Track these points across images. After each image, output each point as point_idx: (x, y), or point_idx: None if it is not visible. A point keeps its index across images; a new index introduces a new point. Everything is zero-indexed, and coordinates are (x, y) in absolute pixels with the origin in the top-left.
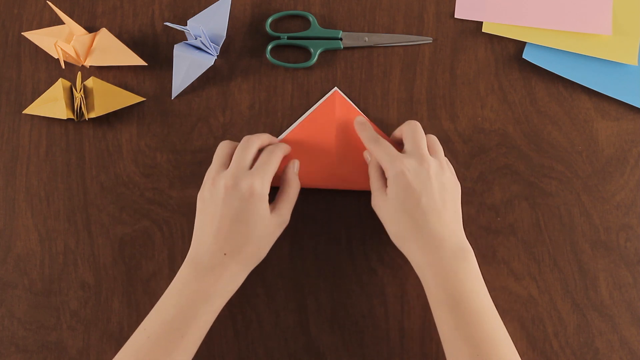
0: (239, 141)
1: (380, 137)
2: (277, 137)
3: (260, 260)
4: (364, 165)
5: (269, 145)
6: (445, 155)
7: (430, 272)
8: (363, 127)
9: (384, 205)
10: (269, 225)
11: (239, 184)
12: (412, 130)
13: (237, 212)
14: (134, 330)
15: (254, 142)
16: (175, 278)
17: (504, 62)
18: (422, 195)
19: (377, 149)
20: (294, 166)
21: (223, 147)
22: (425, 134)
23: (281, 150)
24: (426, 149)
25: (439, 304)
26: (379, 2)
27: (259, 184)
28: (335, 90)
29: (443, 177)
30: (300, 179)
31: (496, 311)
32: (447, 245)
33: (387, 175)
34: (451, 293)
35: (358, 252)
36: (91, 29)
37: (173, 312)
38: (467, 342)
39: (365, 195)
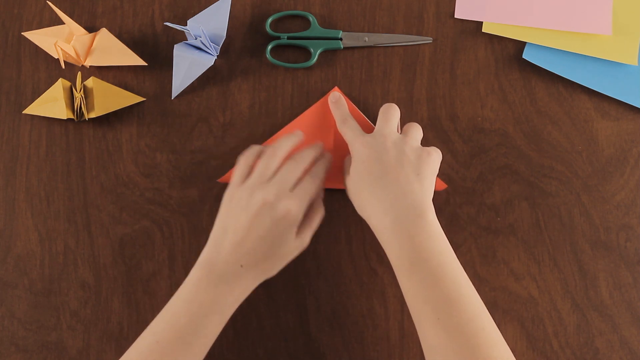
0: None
1: (350, 117)
2: (274, 135)
3: (271, 277)
4: None
5: (314, 161)
6: (445, 156)
7: (386, 234)
8: (337, 105)
9: (348, 183)
10: (291, 247)
11: (277, 203)
12: (382, 112)
13: (267, 229)
14: (134, 330)
15: (306, 160)
16: (187, 280)
17: (504, 62)
18: (376, 161)
19: (343, 128)
20: (322, 194)
21: (270, 158)
22: (424, 132)
23: (324, 176)
24: (392, 127)
25: (398, 268)
26: (379, 2)
27: (296, 209)
28: (335, 88)
29: (404, 146)
30: None
31: (461, 269)
32: (400, 204)
33: (351, 152)
34: (407, 254)
35: (358, 252)
36: (91, 29)
37: (184, 320)
38: (427, 304)
39: None
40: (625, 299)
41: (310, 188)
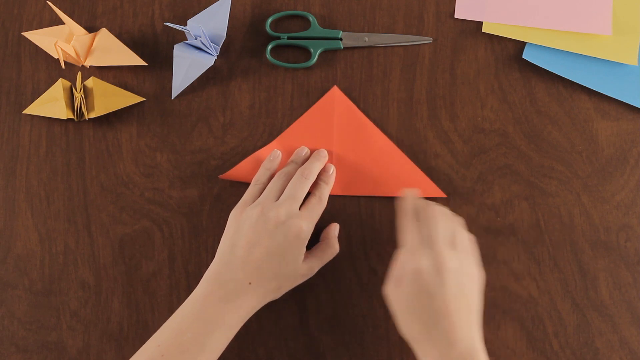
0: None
1: (414, 215)
2: (278, 137)
3: (275, 299)
4: (363, 170)
5: (319, 176)
6: (445, 156)
7: None
8: (406, 200)
9: (396, 299)
10: (299, 269)
11: (289, 221)
12: (429, 221)
13: (278, 247)
14: (134, 330)
15: (313, 176)
16: (194, 294)
17: (504, 62)
18: (435, 299)
19: (405, 229)
20: (336, 230)
21: (279, 178)
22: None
23: (329, 193)
24: (443, 241)
25: None
26: (379, 2)
27: (307, 227)
28: (334, 87)
29: (461, 277)
30: None
31: None
32: (456, 351)
33: (401, 262)
34: None
35: (358, 252)
36: (91, 29)
37: (189, 336)
38: None
39: (365, 196)
40: (625, 299)
41: (317, 207)
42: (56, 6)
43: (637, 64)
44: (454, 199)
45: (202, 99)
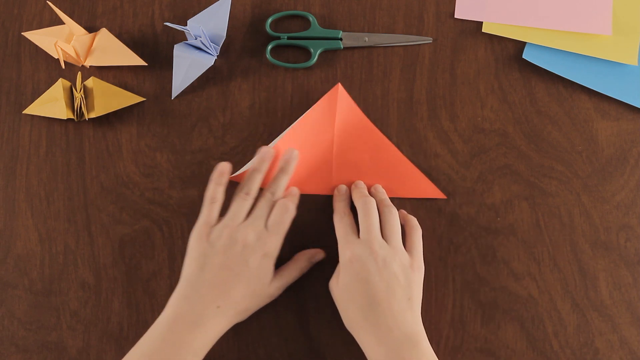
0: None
1: (347, 215)
2: (278, 137)
3: (242, 321)
4: (363, 170)
5: (283, 192)
6: (445, 156)
7: None
8: (339, 197)
9: (336, 291)
10: (267, 290)
11: (257, 243)
12: (364, 212)
13: (247, 269)
14: (134, 330)
15: (280, 192)
16: (162, 317)
17: (504, 62)
18: (367, 284)
19: (337, 225)
20: (314, 256)
21: (244, 200)
22: (424, 132)
23: (294, 206)
24: (377, 233)
25: None
26: (379, 2)
27: (274, 246)
28: (338, 84)
29: (393, 264)
30: (297, 185)
31: None
32: (395, 335)
33: (340, 256)
34: None
35: None
36: (91, 29)
37: (159, 357)
38: None
39: None
40: (625, 299)
41: (282, 221)
42: (56, 6)
43: (637, 64)
44: (454, 199)
45: (202, 99)
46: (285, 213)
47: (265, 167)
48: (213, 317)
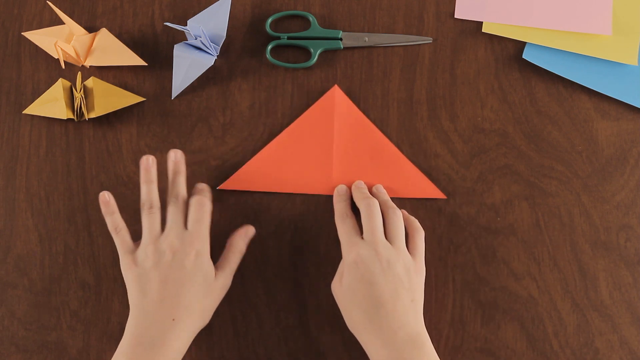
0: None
1: (348, 216)
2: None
3: (204, 326)
4: (362, 170)
5: (195, 193)
6: (445, 156)
7: None
8: (339, 198)
9: (339, 292)
10: (214, 286)
11: (184, 246)
12: (367, 214)
13: (185, 273)
14: None
15: (181, 194)
16: (120, 349)
17: (504, 62)
18: (371, 286)
19: (340, 227)
20: (247, 233)
21: (149, 217)
22: (424, 132)
23: (209, 201)
24: (380, 234)
25: None
26: (379, 2)
27: (202, 242)
28: (335, 86)
29: (396, 265)
30: (296, 185)
31: None
32: (399, 337)
33: (343, 257)
34: None
35: None
36: (91, 29)
37: None
38: None
39: None
40: (625, 299)
41: (201, 219)
42: (56, 6)
43: (637, 64)
44: (454, 199)
45: (202, 99)
46: (202, 208)
47: (153, 175)
48: (171, 331)
